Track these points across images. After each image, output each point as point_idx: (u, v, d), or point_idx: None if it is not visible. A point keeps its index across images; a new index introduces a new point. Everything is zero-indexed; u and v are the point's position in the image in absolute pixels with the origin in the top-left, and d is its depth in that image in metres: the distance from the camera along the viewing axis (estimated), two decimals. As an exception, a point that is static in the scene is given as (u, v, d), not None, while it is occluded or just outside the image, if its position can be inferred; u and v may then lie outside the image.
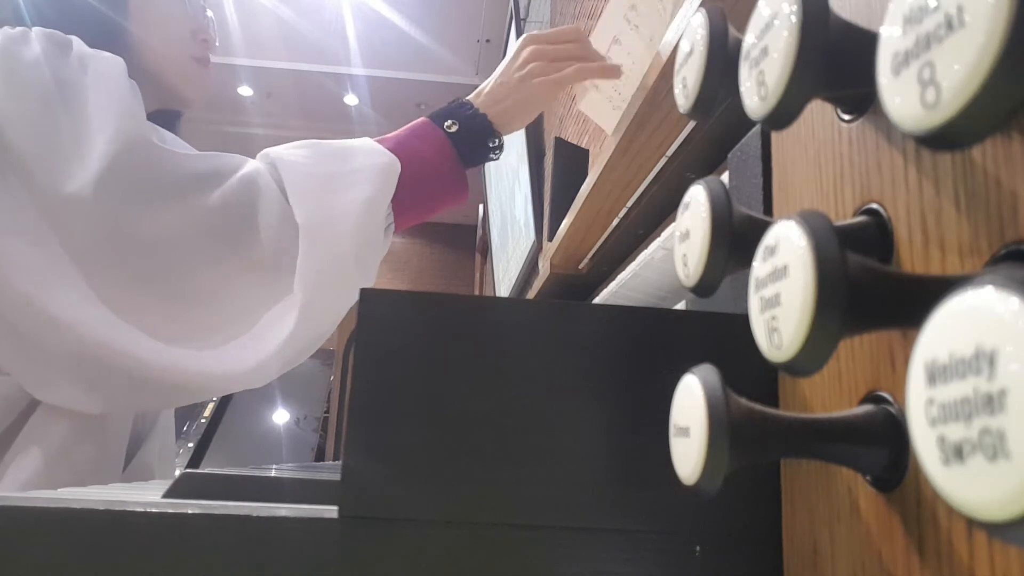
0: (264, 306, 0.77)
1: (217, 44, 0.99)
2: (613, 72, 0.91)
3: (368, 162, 0.78)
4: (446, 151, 0.82)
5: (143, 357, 0.71)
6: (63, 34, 0.80)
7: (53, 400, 0.74)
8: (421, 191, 0.81)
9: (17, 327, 0.71)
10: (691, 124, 0.65)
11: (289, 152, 0.80)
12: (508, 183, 3.53)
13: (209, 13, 0.99)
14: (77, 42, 0.80)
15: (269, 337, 0.74)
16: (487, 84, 0.88)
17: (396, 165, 0.79)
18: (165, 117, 0.94)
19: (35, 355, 0.72)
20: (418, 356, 0.33)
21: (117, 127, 0.73)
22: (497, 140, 0.84)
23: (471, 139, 0.83)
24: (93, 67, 0.77)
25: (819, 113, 0.29)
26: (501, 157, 0.87)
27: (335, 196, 0.75)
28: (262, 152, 0.82)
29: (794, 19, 0.23)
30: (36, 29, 0.79)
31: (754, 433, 0.23)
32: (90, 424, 0.77)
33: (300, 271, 0.72)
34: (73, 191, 0.70)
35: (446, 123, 0.83)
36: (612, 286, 0.82)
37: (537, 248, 2.85)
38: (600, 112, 1.02)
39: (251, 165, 0.79)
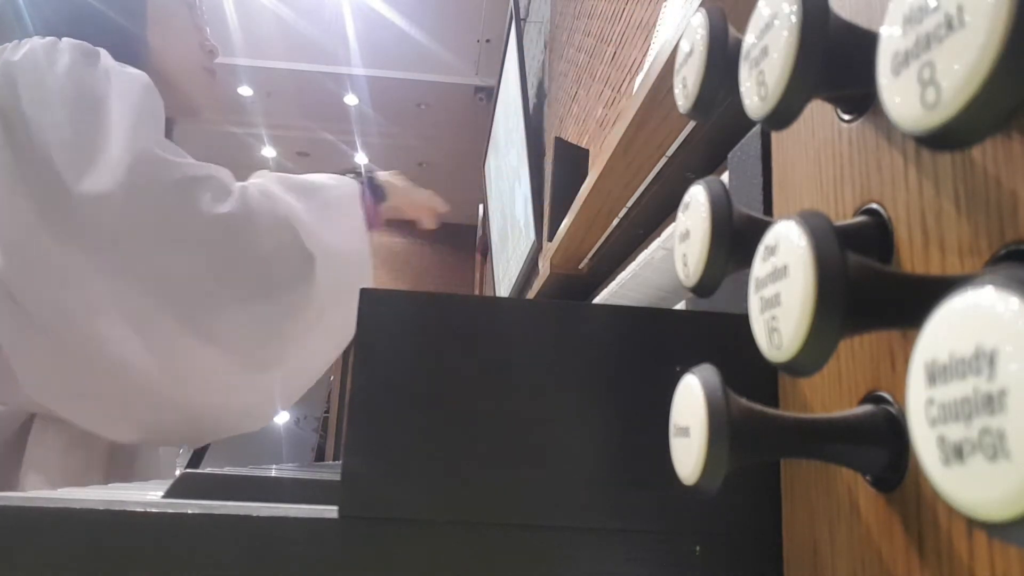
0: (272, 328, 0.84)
1: (219, 53, 1.03)
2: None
3: (341, 192, 0.95)
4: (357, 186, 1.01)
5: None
6: (91, 46, 0.82)
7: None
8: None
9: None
10: (691, 124, 0.65)
11: (273, 185, 0.90)
12: (508, 183, 3.53)
13: (206, 28, 1.02)
14: (104, 55, 0.83)
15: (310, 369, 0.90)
16: None
17: (357, 187, 0.98)
18: (167, 125, 0.96)
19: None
20: (418, 356, 0.33)
21: (133, 138, 0.78)
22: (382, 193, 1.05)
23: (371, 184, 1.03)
24: (117, 81, 0.81)
25: (819, 113, 0.29)
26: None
27: (337, 224, 0.90)
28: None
29: (794, 19, 0.23)
30: (65, 40, 0.81)
31: (754, 433, 0.23)
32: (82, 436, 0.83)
33: (321, 297, 0.83)
34: (88, 191, 0.75)
35: (348, 174, 1.04)
36: (612, 286, 0.82)
37: (537, 248, 2.84)
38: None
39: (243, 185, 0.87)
